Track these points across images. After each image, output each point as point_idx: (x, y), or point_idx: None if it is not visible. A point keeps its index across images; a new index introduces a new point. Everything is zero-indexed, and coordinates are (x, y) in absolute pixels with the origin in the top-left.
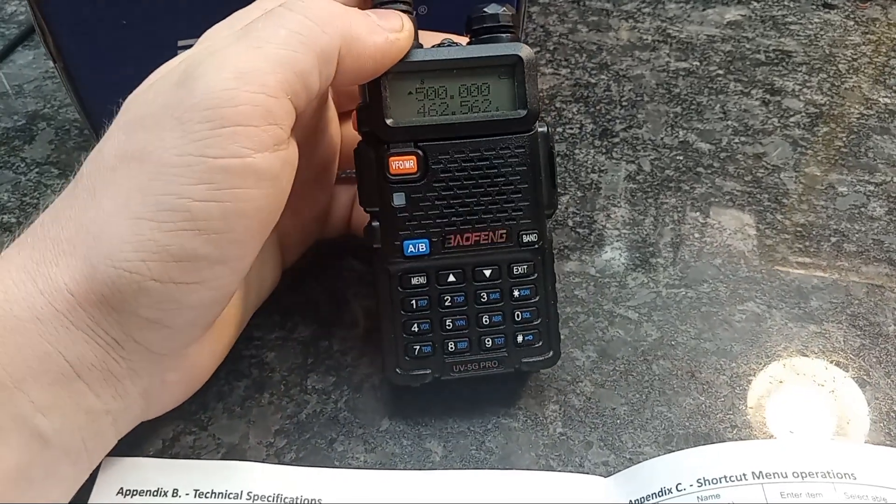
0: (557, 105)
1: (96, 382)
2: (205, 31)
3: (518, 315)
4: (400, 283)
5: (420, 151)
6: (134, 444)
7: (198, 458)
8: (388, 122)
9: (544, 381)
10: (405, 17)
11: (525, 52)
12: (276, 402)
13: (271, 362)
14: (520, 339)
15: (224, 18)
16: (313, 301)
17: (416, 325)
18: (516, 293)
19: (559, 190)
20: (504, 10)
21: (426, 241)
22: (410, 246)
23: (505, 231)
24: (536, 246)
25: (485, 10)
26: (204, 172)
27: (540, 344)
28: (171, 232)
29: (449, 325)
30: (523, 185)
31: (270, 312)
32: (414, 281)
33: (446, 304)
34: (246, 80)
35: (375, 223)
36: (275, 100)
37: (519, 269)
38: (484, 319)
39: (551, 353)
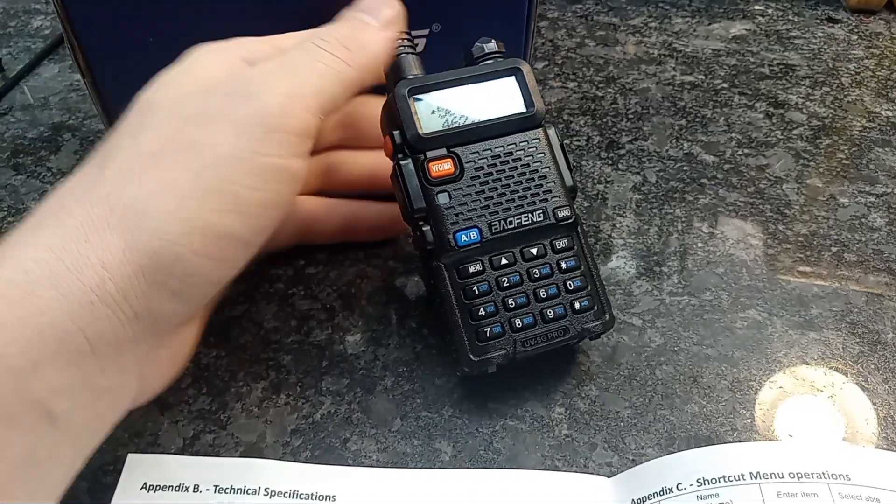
0: (565, 118)
1: (107, 358)
2: None
3: (570, 284)
4: (458, 274)
5: (454, 154)
6: (156, 442)
7: (217, 455)
8: (422, 133)
9: (550, 384)
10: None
11: (522, 63)
12: (292, 402)
13: (287, 365)
14: (577, 305)
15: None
16: (329, 307)
17: (481, 308)
18: (563, 265)
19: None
20: (494, 43)
21: (476, 229)
22: (463, 236)
23: (541, 211)
24: (570, 220)
25: (477, 43)
26: (252, 166)
27: (596, 308)
28: (216, 212)
29: (511, 304)
30: (546, 168)
31: (288, 317)
32: (472, 269)
33: (504, 285)
34: (295, 100)
35: (426, 227)
36: (314, 118)
37: (560, 244)
38: (541, 293)
39: (607, 316)
